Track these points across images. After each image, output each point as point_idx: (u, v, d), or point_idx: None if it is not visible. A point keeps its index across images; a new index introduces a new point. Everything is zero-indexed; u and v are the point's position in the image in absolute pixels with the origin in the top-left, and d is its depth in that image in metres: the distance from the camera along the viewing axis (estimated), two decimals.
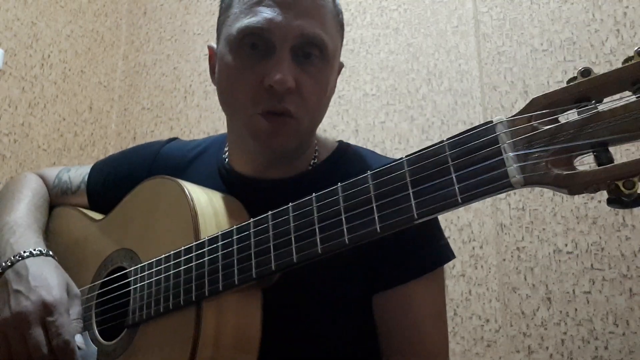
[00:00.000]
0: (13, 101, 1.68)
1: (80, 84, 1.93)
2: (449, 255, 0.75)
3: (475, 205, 1.44)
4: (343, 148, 0.80)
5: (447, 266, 1.43)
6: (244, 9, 0.68)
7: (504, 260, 1.38)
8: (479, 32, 1.57)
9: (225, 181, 0.76)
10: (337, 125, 1.67)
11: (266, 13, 0.66)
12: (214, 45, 0.77)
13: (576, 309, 1.28)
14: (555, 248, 1.34)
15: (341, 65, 0.78)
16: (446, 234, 1.44)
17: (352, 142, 0.85)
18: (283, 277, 0.61)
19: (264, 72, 0.65)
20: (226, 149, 0.81)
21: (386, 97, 1.63)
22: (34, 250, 0.72)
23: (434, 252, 0.72)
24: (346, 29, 1.76)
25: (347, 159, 0.78)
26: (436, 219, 0.76)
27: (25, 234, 0.77)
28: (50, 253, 0.74)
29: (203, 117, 1.88)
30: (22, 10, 1.74)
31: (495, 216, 1.42)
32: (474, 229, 1.42)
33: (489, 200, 1.42)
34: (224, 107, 0.74)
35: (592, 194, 0.39)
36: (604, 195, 1.33)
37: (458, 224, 1.45)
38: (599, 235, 1.31)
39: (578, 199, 1.35)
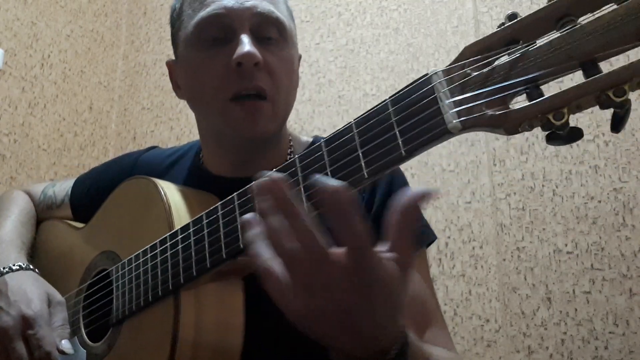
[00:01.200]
0: (13, 101, 1.68)
1: (80, 84, 1.93)
2: (430, 235, 0.76)
3: (475, 205, 1.44)
4: (316, 140, 0.81)
5: (447, 266, 1.43)
6: (195, 7, 0.69)
7: (504, 260, 1.38)
8: (479, 32, 1.57)
9: (202, 184, 0.76)
10: (337, 125, 1.67)
11: (218, 1, 0.67)
12: (171, 60, 0.78)
13: (576, 309, 1.28)
14: (555, 248, 1.34)
15: (299, 56, 0.79)
16: (446, 234, 1.45)
17: None
18: None
19: (229, 54, 0.66)
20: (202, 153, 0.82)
21: (386, 97, 1.63)
22: (13, 265, 0.74)
23: (418, 232, 0.73)
24: (346, 29, 1.77)
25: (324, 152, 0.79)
26: None
27: (6, 250, 0.79)
28: (30, 267, 0.76)
29: None
30: (22, 10, 1.74)
31: (495, 216, 1.42)
32: (474, 229, 1.42)
33: (489, 200, 1.43)
34: (195, 107, 0.75)
35: (528, 131, 0.41)
36: (604, 195, 1.32)
37: (458, 224, 1.45)
38: (599, 235, 1.31)
39: (578, 199, 1.35)
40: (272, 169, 0.73)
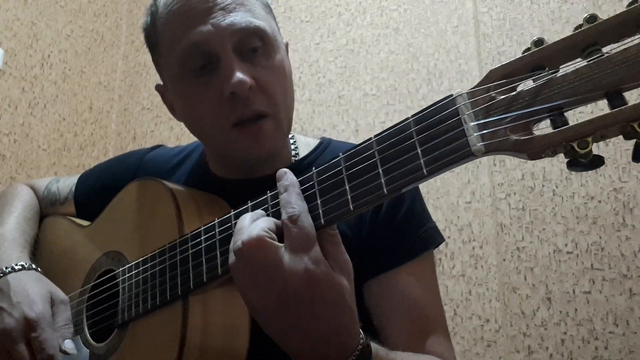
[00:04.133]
0: (13, 101, 1.68)
1: (80, 84, 1.93)
2: (437, 238, 0.75)
3: (475, 205, 1.44)
4: (325, 143, 0.81)
5: (447, 266, 1.43)
6: (173, 39, 0.67)
7: (504, 260, 1.38)
8: (479, 32, 1.57)
9: (208, 186, 0.76)
10: (337, 125, 1.67)
11: (193, 30, 0.64)
12: (160, 83, 0.77)
13: (576, 309, 1.28)
14: (555, 248, 1.34)
15: (286, 44, 0.77)
16: (446, 234, 1.45)
17: (352, 142, 0.85)
18: None
19: (220, 84, 0.64)
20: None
21: (386, 97, 1.63)
22: (16, 265, 0.74)
23: (422, 236, 0.73)
24: (346, 29, 1.77)
25: (329, 153, 0.78)
26: (423, 203, 0.76)
27: (9, 249, 0.78)
28: (33, 266, 0.75)
29: None
30: (22, 10, 1.74)
31: (495, 216, 1.42)
32: (474, 229, 1.42)
33: (489, 200, 1.43)
34: (200, 137, 0.74)
35: (550, 157, 0.42)
36: (604, 195, 1.33)
37: (458, 224, 1.45)
38: (599, 235, 1.31)
39: (578, 199, 1.35)
40: (276, 171, 0.74)
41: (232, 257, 0.50)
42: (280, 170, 0.54)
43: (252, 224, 0.50)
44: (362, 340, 0.49)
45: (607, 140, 1.35)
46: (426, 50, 1.62)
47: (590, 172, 1.35)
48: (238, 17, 0.65)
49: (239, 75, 0.63)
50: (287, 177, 0.53)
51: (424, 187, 1.48)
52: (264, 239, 0.48)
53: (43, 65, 1.80)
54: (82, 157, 1.89)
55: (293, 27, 1.82)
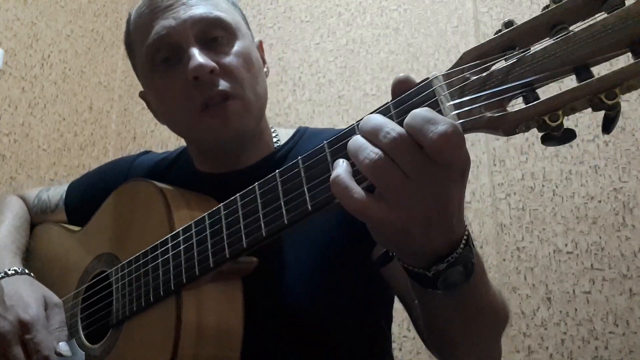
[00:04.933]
0: (13, 101, 1.68)
1: (80, 84, 1.93)
2: None
3: (475, 205, 1.44)
4: (302, 130, 0.82)
5: None
6: (142, 35, 0.70)
7: (504, 260, 1.38)
8: (479, 32, 1.57)
9: (196, 183, 0.77)
10: (337, 125, 1.67)
11: (156, 24, 0.68)
12: (142, 90, 0.79)
13: (576, 309, 1.28)
14: (555, 248, 1.34)
15: (260, 42, 0.80)
16: None
17: None
18: (263, 265, 0.62)
19: (184, 71, 0.67)
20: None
21: (386, 97, 1.63)
22: (9, 270, 0.75)
23: None
24: (346, 29, 1.77)
25: (307, 138, 0.80)
26: None
27: (1, 256, 0.79)
28: (26, 271, 0.76)
29: None
30: (22, 10, 1.74)
31: (495, 216, 1.42)
32: (474, 229, 1.42)
33: (489, 200, 1.42)
34: (172, 126, 0.76)
35: (524, 132, 0.42)
36: (604, 195, 1.32)
37: None
38: (599, 235, 1.31)
39: (578, 199, 1.35)
40: (260, 159, 0.75)
41: (371, 155, 0.43)
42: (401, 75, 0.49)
43: (433, 114, 0.42)
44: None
45: (607, 140, 1.35)
46: (426, 50, 1.62)
47: (590, 172, 1.35)
48: (199, 10, 0.69)
49: (199, 58, 0.65)
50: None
51: None
52: (458, 128, 0.41)
53: (43, 65, 1.80)
54: (82, 157, 1.89)
55: (293, 27, 1.82)
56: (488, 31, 1.55)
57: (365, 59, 1.70)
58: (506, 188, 1.43)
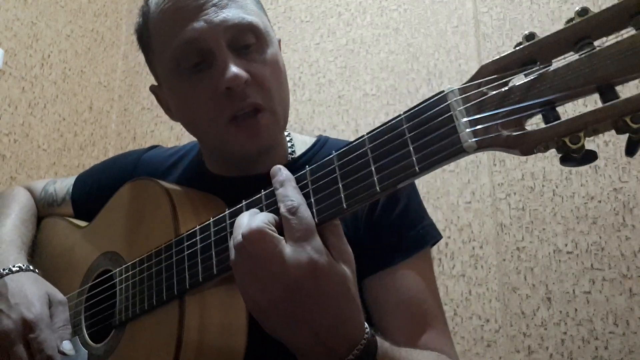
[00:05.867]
0: (13, 101, 1.68)
1: (80, 84, 1.93)
2: (434, 235, 0.75)
3: (475, 205, 1.44)
4: (321, 141, 0.81)
5: (448, 266, 1.43)
6: (166, 37, 0.67)
7: (504, 260, 1.38)
8: (479, 32, 1.57)
9: (205, 184, 0.76)
10: (337, 125, 1.67)
11: (186, 27, 0.64)
12: (155, 84, 0.77)
13: (576, 309, 1.28)
14: (555, 248, 1.34)
15: (279, 41, 0.77)
16: (446, 234, 1.45)
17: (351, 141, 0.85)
18: None
19: (215, 80, 0.64)
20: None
21: (386, 97, 1.63)
22: (13, 267, 0.74)
23: (420, 233, 0.73)
24: (346, 29, 1.77)
25: (325, 150, 0.78)
26: (419, 201, 0.77)
27: (6, 251, 0.78)
28: (30, 267, 0.76)
29: None
30: (22, 10, 1.74)
31: (495, 216, 1.42)
32: (474, 229, 1.42)
33: (489, 200, 1.43)
34: (196, 135, 0.74)
35: (543, 153, 0.42)
36: (604, 195, 1.32)
37: (458, 224, 1.45)
38: (599, 235, 1.31)
39: (578, 199, 1.35)
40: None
41: (232, 253, 0.49)
42: (275, 167, 0.53)
43: (251, 218, 0.49)
44: (367, 331, 0.49)
45: (607, 140, 1.35)
46: (426, 50, 1.62)
47: (590, 172, 1.35)
48: (231, 14, 0.65)
49: (235, 69, 0.62)
50: (282, 173, 0.52)
51: (423, 187, 1.48)
52: (265, 230, 0.47)
53: (43, 65, 1.80)
54: (82, 157, 1.89)
55: (293, 27, 1.82)
56: (488, 31, 1.55)
57: (365, 59, 1.70)
58: (506, 188, 1.43)
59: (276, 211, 0.51)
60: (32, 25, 1.77)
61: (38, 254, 0.88)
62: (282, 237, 0.47)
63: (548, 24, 1.46)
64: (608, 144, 1.35)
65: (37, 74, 1.78)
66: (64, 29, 1.89)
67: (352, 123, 1.65)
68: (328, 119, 1.69)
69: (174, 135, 1.94)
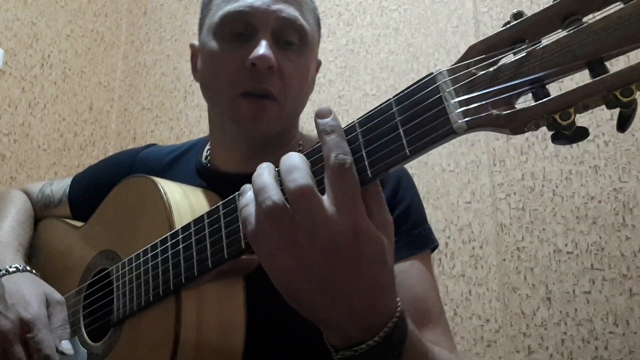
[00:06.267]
0: (13, 101, 1.68)
1: (80, 84, 1.93)
2: (434, 240, 0.76)
3: (475, 205, 1.44)
4: None
5: (448, 266, 1.43)
6: (225, 2, 0.70)
7: (504, 260, 1.38)
8: (479, 32, 1.57)
9: (206, 179, 0.77)
10: None
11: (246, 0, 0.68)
12: (196, 43, 0.79)
13: (576, 309, 1.28)
14: (555, 248, 1.34)
15: (319, 63, 0.81)
16: (446, 234, 1.45)
17: None
18: None
19: (246, 53, 0.67)
20: (207, 147, 0.82)
21: (386, 97, 1.63)
22: (10, 267, 0.74)
23: (422, 234, 0.74)
24: (346, 29, 1.77)
25: None
26: (421, 204, 0.77)
27: (3, 252, 0.79)
28: (27, 268, 0.76)
29: (203, 117, 1.88)
30: (22, 10, 1.74)
31: (495, 216, 1.42)
32: (474, 229, 1.42)
33: (489, 200, 1.43)
34: (207, 95, 0.76)
35: (533, 131, 0.41)
36: (604, 195, 1.32)
37: (458, 224, 1.45)
38: (599, 235, 1.31)
39: (578, 199, 1.35)
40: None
41: (252, 223, 0.44)
42: (324, 107, 0.48)
43: (293, 171, 0.43)
44: (399, 304, 0.47)
45: (607, 140, 1.35)
46: (426, 50, 1.62)
47: (590, 172, 1.35)
48: (289, 10, 0.69)
49: (267, 51, 0.65)
50: (334, 117, 0.47)
51: (424, 187, 1.48)
52: (315, 190, 0.42)
53: (43, 65, 1.80)
54: (82, 157, 1.89)
55: None
56: (488, 31, 1.55)
57: (365, 59, 1.70)
58: (506, 188, 1.43)
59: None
60: (32, 25, 1.77)
61: (36, 256, 0.88)
62: (324, 198, 0.43)
63: None
64: (608, 144, 1.35)
65: (37, 74, 1.78)
66: (64, 29, 1.89)
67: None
68: None
69: (174, 135, 1.94)
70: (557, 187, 1.38)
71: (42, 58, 1.80)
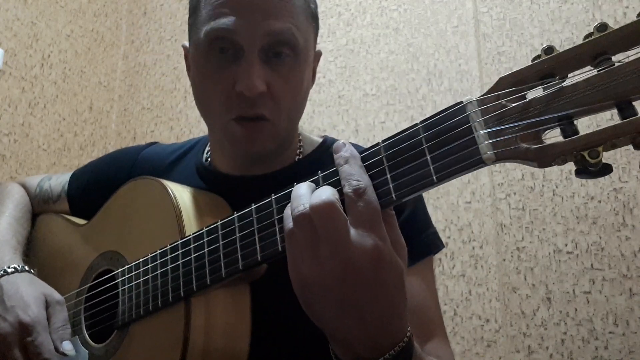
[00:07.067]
0: (13, 101, 1.68)
1: (80, 84, 1.93)
2: (438, 244, 0.75)
3: (475, 205, 1.44)
4: (327, 142, 0.80)
5: (447, 266, 1.43)
6: (210, 12, 0.66)
7: (504, 260, 1.38)
8: (479, 32, 1.57)
9: (207, 181, 0.76)
10: (337, 125, 1.67)
11: (231, 16, 0.63)
12: (187, 44, 0.76)
13: (576, 309, 1.28)
14: (555, 248, 1.34)
15: (319, 53, 0.77)
16: (446, 234, 1.45)
17: (352, 142, 0.85)
18: (271, 270, 0.61)
19: (234, 77, 0.64)
20: (208, 148, 0.81)
21: (386, 97, 1.63)
22: (8, 268, 0.73)
23: (425, 240, 0.73)
24: (346, 29, 1.77)
25: (331, 153, 0.78)
26: (425, 208, 0.76)
27: (0, 251, 0.77)
28: (26, 268, 0.74)
29: None
30: (22, 10, 1.74)
31: (495, 216, 1.42)
32: (474, 229, 1.42)
33: (489, 200, 1.43)
34: (201, 113, 0.74)
35: (560, 165, 0.43)
36: (604, 195, 1.32)
37: (458, 224, 1.45)
38: (599, 235, 1.31)
39: (578, 199, 1.35)
40: (279, 169, 0.74)
41: (289, 224, 0.46)
42: (338, 142, 0.51)
43: (320, 189, 0.46)
44: (409, 329, 0.48)
45: None
46: (426, 50, 1.62)
47: None
48: (278, 24, 0.64)
49: (253, 79, 0.63)
50: (347, 149, 0.49)
51: None
52: (337, 205, 0.44)
53: (43, 65, 1.80)
54: (82, 157, 1.89)
55: None
56: (488, 31, 1.55)
57: (365, 59, 1.70)
58: (506, 188, 1.43)
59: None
60: (32, 25, 1.77)
61: (33, 252, 0.87)
62: (347, 217, 0.45)
63: (548, 24, 1.46)
64: None
65: (37, 74, 1.78)
66: (64, 29, 1.89)
67: (352, 123, 1.65)
68: (328, 119, 1.69)
69: (174, 135, 1.94)
70: (557, 187, 1.38)
71: (42, 58, 1.80)
